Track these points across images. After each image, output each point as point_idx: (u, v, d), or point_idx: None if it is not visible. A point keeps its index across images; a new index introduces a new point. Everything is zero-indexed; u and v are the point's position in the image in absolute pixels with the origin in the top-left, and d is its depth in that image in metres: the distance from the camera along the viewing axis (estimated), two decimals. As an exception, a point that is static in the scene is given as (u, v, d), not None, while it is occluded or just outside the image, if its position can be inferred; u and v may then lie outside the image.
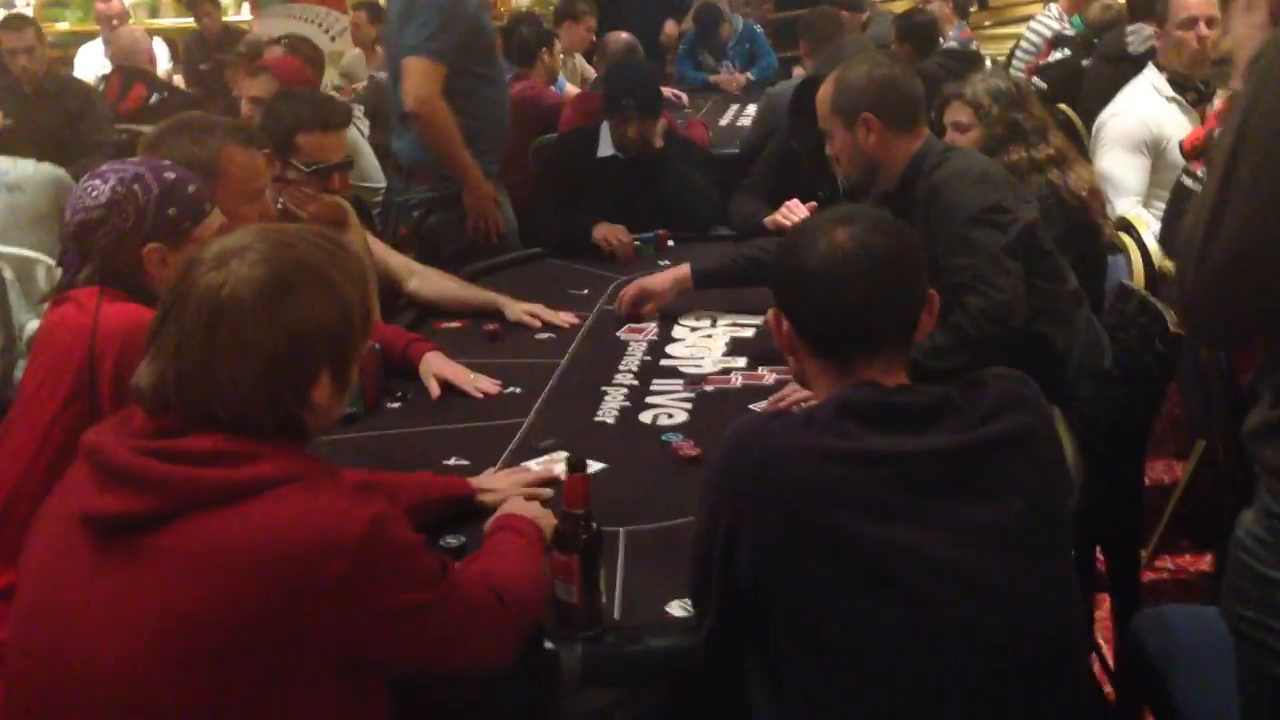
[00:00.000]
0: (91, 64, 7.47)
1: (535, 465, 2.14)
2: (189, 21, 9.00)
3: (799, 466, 1.37)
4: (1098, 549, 2.59)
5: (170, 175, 1.94)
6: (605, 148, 3.79)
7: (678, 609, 1.67)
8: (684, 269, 2.96)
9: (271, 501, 1.29)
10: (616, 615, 1.68)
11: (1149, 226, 3.31)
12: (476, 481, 1.99)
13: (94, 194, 1.90)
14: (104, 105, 5.54)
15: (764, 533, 1.38)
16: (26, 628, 1.39)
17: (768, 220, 3.42)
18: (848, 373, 1.50)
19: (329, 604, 1.29)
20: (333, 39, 8.34)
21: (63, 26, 11.16)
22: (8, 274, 3.35)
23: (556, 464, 2.10)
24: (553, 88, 5.60)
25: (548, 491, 1.98)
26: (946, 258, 2.41)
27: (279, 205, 2.87)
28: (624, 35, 5.52)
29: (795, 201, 3.40)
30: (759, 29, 7.30)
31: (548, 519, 1.79)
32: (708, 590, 1.49)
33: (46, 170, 3.67)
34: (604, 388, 2.54)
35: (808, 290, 1.52)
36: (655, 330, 2.90)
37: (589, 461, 2.14)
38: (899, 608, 1.36)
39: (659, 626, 1.65)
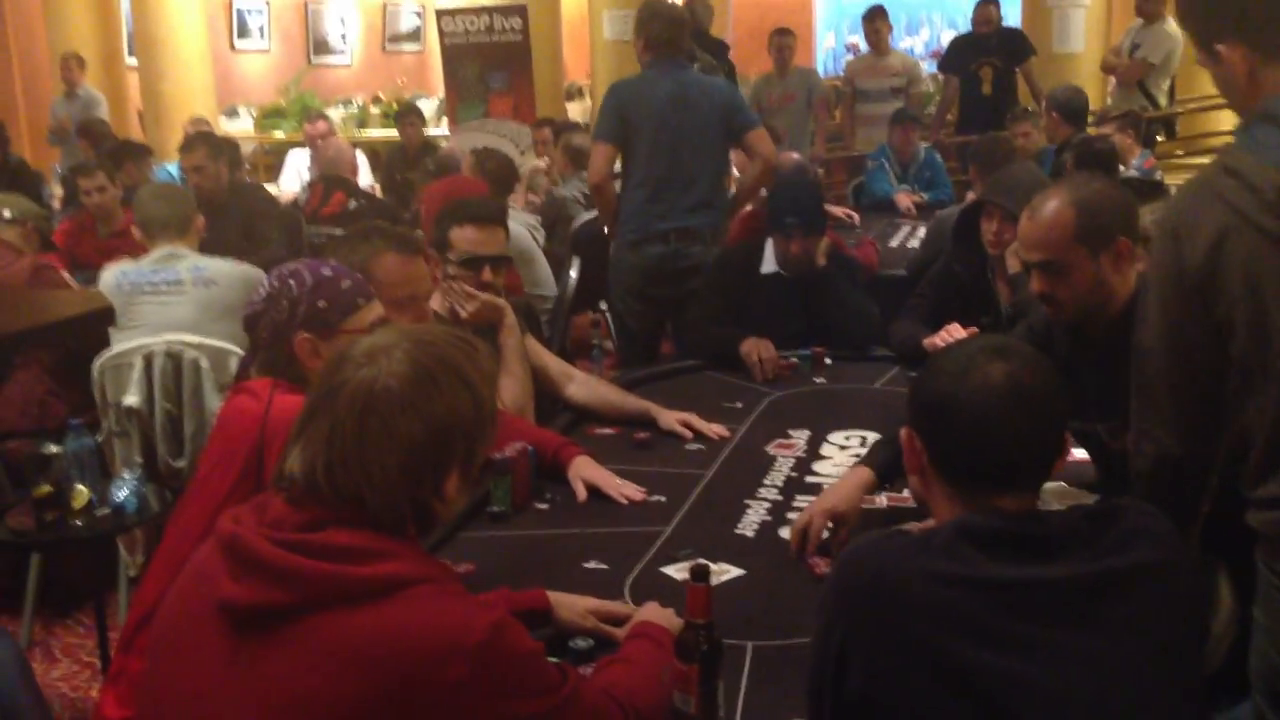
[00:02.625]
0: (297, 169, 8.04)
1: (674, 572, 2.18)
2: (393, 134, 9.62)
3: (913, 589, 1.37)
4: None
5: (326, 272, 2.10)
6: (769, 264, 3.85)
7: (798, 727, 1.66)
8: (862, 473, 2.41)
9: (401, 602, 1.34)
10: (738, 729, 1.69)
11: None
12: (555, 598, 1.96)
13: (261, 289, 2.07)
14: (281, 210, 5.87)
15: (875, 652, 1.38)
16: (156, 709, 1.45)
17: (926, 342, 3.41)
18: (974, 503, 1.49)
19: (447, 707, 1.33)
20: (522, 153, 8.76)
21: (279, 135, 12.07)
22: (204, 363, 3.62)
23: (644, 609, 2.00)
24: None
25: (620, 632, 1.90)
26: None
27: (446, 304, 3.04)
28: (794, 155, 5.62)
29: (955, 326, 3.38)
30: (939, 157, 7.33)
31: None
32: (822, 709, 1.48)
33: (243, 269, 3.95)
34: (747, 501, 2.56)
35: (952, 421, 1.50)
36: (804, 446, 2.91)
37: (726, 566, 2.20)
38: None
39: (777, 743, 1.64)
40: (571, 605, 1.95)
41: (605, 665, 1.70)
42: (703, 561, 1.72)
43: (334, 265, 2.19)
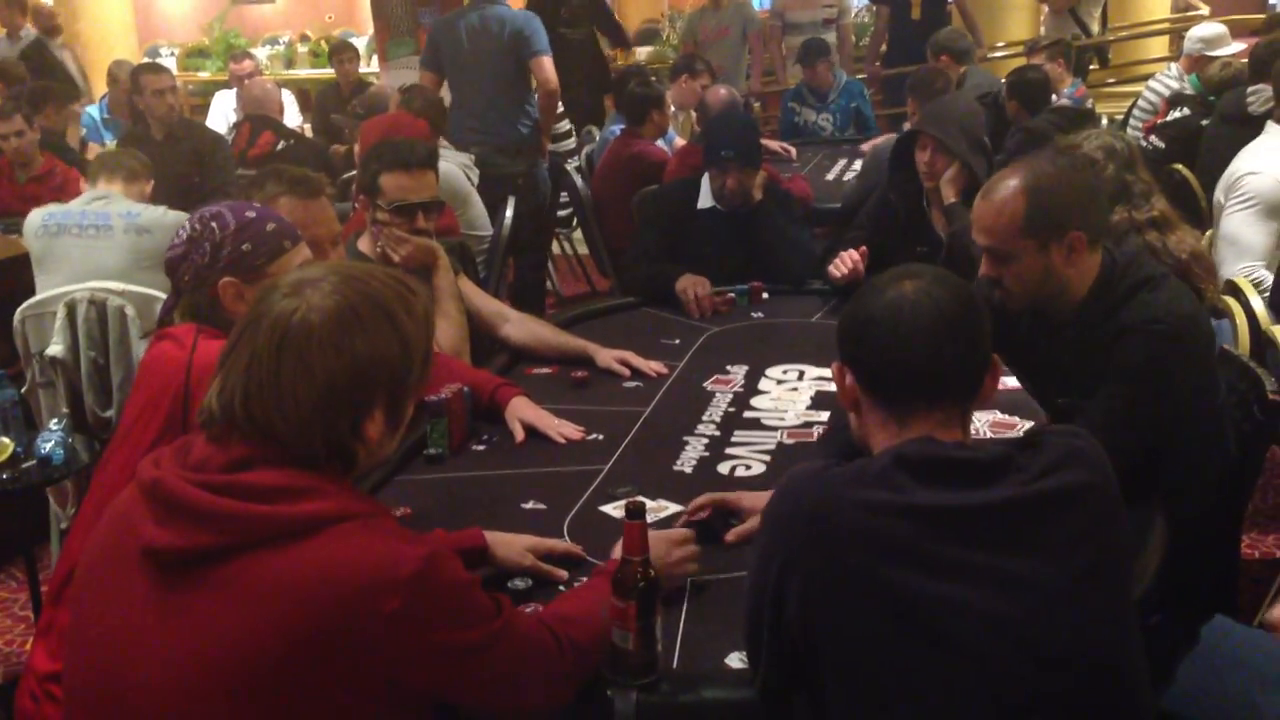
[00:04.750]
0: (224, 111, 7.84)
1: (612, 510, 2.17)
2: (324, 73, 9.40)
3: (849, 518, 1.37)
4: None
5: (250, 214, 2.04)
6: (705, 199, 3.83)
7: (736, 661, 1.67)
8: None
9: (330, 539, 1.33)
10: (676, 664, 1.69)
11: (1256, 291, 3.21)
12: (491, 537, 1.93)
13: (182, 232, 2.01)
14: (228, 151, 5.81)
15: (813, 582, 1.38)
16: (82, 658, 1.43)
17: (829, 270, 3.42)
18: (907, 428, 1.49)
19: (381, 640, 1.32)
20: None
21: (203, 76, 11.77)
22: (129, 311, 3.53)
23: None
24: (660, 142, 5.69)
25: (563, 573, 1.91)
26: (1091, 405, 2.21)
27: (378, 249, 2.98)
28: (724, 90, 5.57)
29: (850, 252, 3.39)
30: (863, 86, 7.33)
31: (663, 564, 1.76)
32: (760, 640, 1.49)
33: (175, 216, 3.85)
34: (685, 437, 2.55)
35: (871, 337, 1.53)
36: (742, 381, 2.91)
37: (665, 503, 2.20)
38: (949, 663, 1.35)
39: (715, 677, 1.64)
40: (509, 544, 1.92)
41: (558, 598, 1.71)
42: (638, 498, 1.72)
43: (259, 207, 2.13)
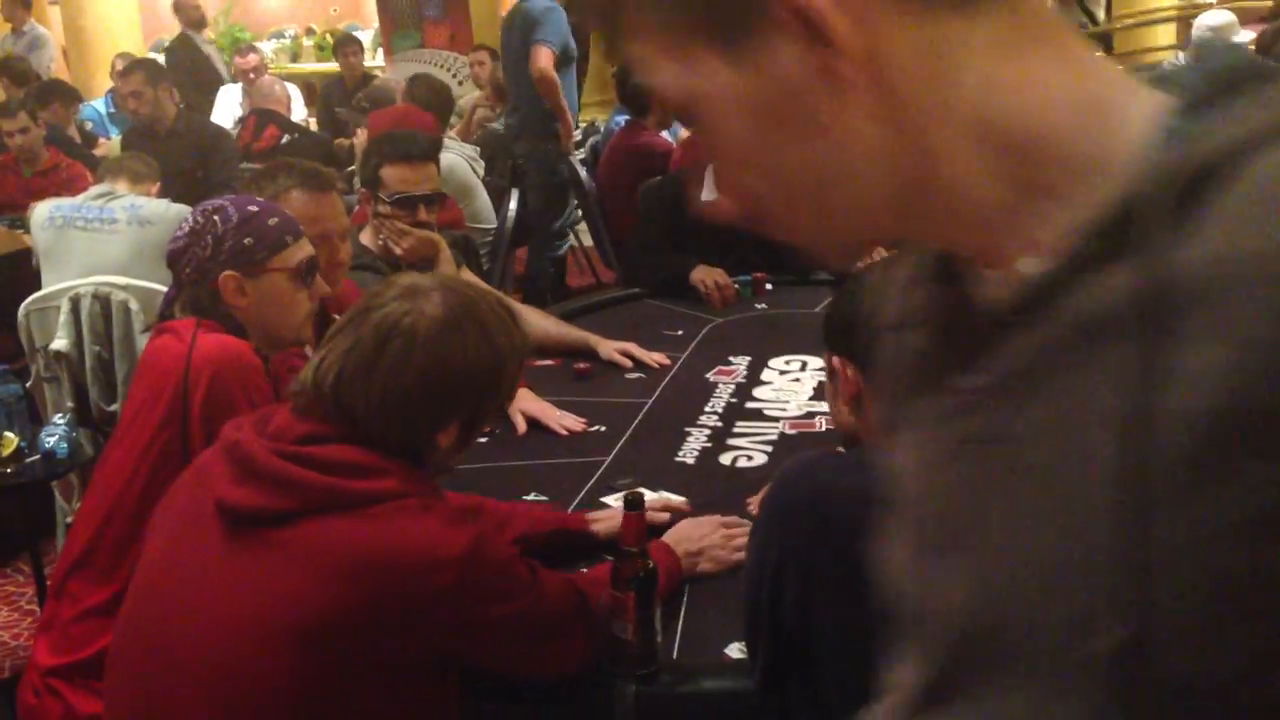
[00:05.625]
0: (229, 105, 7.84)
1: (613, 501, 2.17)
2: (329, 67, 9.39)
3: (849, 508, 1.36)
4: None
5: (252, 208, 2.04)
6: (709, 191, 3.80)
7: (736, 651, 1.67)
8: None
9: (389, 514, 1.41)
10: (676, 655, 1.69)
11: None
12: (593, 516, 2.00)
13: (184, 225, 2.01)
14: (232, 145, 5.81)
15: (810, 573, 1.37)
16: (144, 598, 1.51)
17: None
18: None
19: (429, 612, 1.41)
20: (459, 83, 8.59)
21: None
22: (133, 305, 3.53)
23: (671, 498, 2.13)
24: (666, 134, 5.68)
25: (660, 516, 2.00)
26: None
27: (380, 241, 2.98)
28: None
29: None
30: None
31: (711, 545, 1.88)
32: (758, 631, 1.48)
33: (178, 209, 3.84)
34: (687, 428, 2.55)
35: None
36: (745, 372, 2.90)
37: (666, 494, 2.19)
38: None
39: (714, 668, 1.64)
40: (610, 517, 1.99)
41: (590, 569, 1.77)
42: (637, 490, 1.71)
43: (261, 201, 2.13)
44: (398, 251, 2.92)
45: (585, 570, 1.77)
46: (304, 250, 2.09)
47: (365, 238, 3.03)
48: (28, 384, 3.49)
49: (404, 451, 1.49)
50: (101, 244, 3.73)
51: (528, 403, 2.61)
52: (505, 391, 1.58)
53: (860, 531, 1.36)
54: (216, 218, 2.04)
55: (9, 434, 2.98)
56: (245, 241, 2.02)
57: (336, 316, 1.72)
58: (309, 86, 9.73)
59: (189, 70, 8.02)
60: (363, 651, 1.39)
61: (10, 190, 5.45)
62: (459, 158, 4.52)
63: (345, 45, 8.31)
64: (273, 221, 2.07)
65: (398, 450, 1.48)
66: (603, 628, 1.58)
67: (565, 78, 5.68)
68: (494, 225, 4.63)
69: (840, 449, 1.74)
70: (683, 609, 1.80)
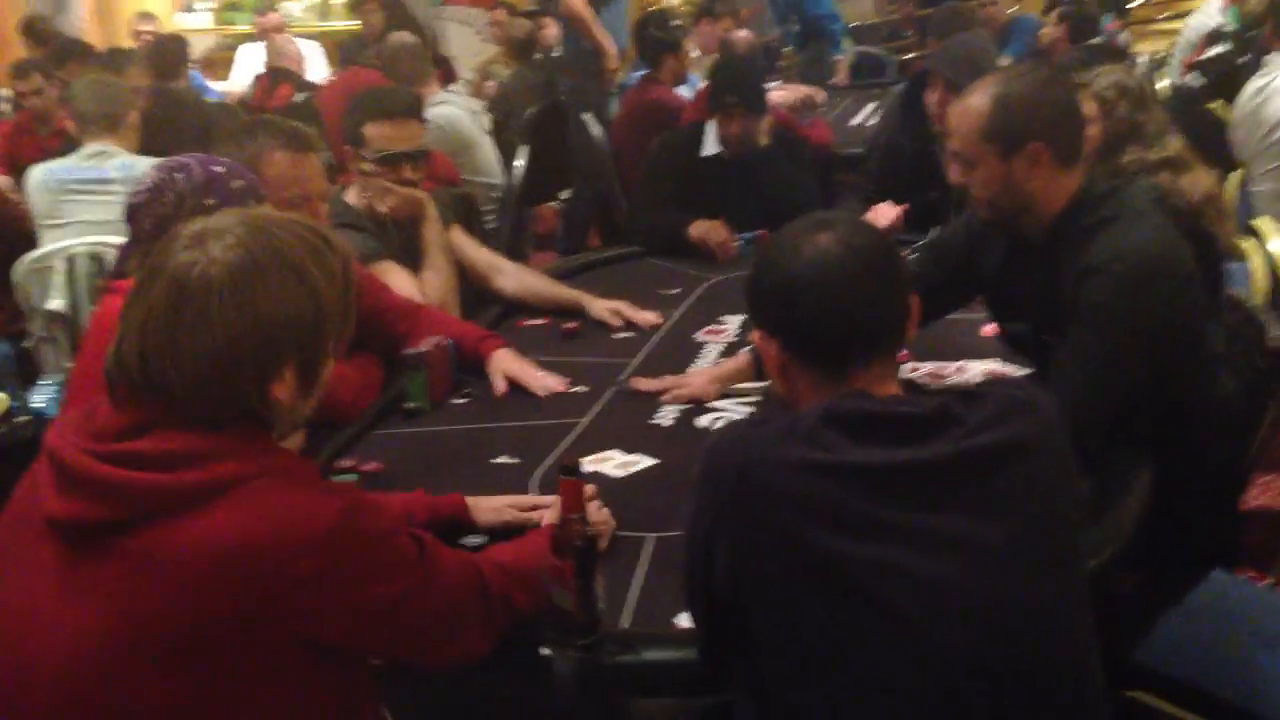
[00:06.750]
0: (251, 65, 7.80)
1: (587, 464, 2.12)
2: (356, 24, 9.30)
3: (775, 478, 1.31)
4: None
5: (217, 169, 1.99)
6: (710, 146, 3.73)
7: (686, 621, 1.62)
8: (743, 359, 2.46)
9: (235, 501, 1.26)
10: (629, 623, 1.64)
11: (1274, 233, 3.07)
12: (472, 501, 1.89)
13: (146, 179, 1.97)
14: (237, 114, 5.75)
15: (740, 543, 1.33)
16: None
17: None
18: (845, 386, 1.42)
19: (299, 601, 1.27)
20: (483, 40, 8.50)
21: (242, 29, 11.72)
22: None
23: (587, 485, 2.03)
24: (683, 88, 5.57)
25: (543, 514, 1.85)
26: (1062, 348, 2.12)
27: (364, 199, 2.93)
28: (745, 33, 5.45)
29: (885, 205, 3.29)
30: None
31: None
32: (695, 598, 1.45)
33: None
34: (669, 390, 2.49)
35: (801, 301, 1.44)
36: (735, 332, 2.84)
37: (639, 456, 2.14)
38: (882, 627, 1.28)
39: (659, 637, 1.60)
40: (488, 505, 1.89)
41: (497, 545, 1.67)
42: (574, 456, 1.66)
43: (227, 162, 2.08)
44: (382, 209, 2.88)
45: (505, 544, 1.67)
46: None
47: (350, 196, 2.99)
48: (26, 344, 3.50)
49: (239, 418, 1.33)
50: (98, 207, 3.70)
51: (509, 363, 2.56)
52: (336, 325, 1.39)
53: (788, 502, 1.32)
54: (179, 175, 1.99)
55: (-1, 394, 2.99)
56: (207, 202, 1.97)
57: None
58: (339, 46, 9.65)
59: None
60: (240, 656, 1.26)
61: (28, 150, 5.44)
62: (461, 110, 4.45)
63: (364, 2, 8.21)
64: (237, 184, 2.02)
65: (231, 419, 1.32)
66: (510, 607, 1.50)
67: (608, 10, 5.68)
68: (498, 180, 4.56)
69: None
70: (638, 576, 1.76)
